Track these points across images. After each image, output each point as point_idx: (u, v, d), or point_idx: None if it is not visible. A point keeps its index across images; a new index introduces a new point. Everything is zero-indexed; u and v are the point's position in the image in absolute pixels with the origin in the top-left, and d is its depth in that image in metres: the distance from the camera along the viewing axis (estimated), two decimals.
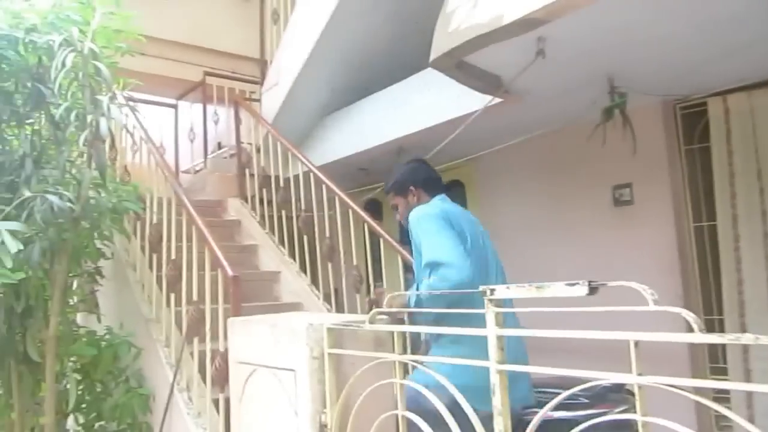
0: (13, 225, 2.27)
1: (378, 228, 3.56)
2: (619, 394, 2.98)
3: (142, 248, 3.63)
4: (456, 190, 4.91)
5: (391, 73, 4.48)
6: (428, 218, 2.29)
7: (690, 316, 1.06)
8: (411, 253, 2.54)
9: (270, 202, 4.68)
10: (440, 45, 2.72)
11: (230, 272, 2.56)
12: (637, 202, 3.73)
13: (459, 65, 2.82)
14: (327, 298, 4.00)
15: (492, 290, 1.41)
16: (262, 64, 5.80)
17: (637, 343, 1.13)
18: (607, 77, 3.12)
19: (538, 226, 4.24)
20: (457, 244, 2.21)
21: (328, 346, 1.87)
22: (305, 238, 4.21)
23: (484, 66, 2.93)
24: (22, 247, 2.28)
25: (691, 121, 3.66)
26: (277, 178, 4.58)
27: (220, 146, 7.00)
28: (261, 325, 2.16)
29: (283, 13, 5.26)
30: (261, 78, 5.73)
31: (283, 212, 4.46)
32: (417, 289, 2.28)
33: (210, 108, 6.27)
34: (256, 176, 4.95)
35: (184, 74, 6.45)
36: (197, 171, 6.42)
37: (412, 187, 2.58)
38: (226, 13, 7.01)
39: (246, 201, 5.04)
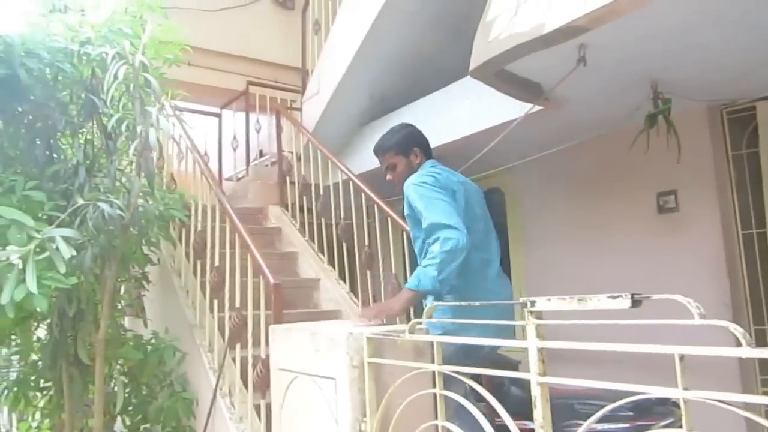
0: (67, 232, 2.37)
1: None
2: (665, 407, 2.90)
3: (187, 255, 3.73)
4: (495, 199, 4.88)
5: (431, 80, 4.49)
6: (426, 186, 2.35)
7: (738, 330, 1.04)
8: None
9: (310, 210, 4.74)
10: (480, 54, 2.72)
11: (272, 280, 2.61)
12: (683, 210, 3.64)
13: (499, 74, 2.81)
14: (366, 306, 4.03)
15: (533, 302, 1.40)
16: (304, 73, 5.90)
17: (682, 357, 1.12)
18: (651, 82, 3.06)
19: (580, 235, 4.17)
20: (453, 208, 2.27)
21: (368, 355, 1.90)
22: (344, 245, 4.25)
23: (524, 74, 2.91)
24: (75, 253, 2.37)
25: (739, 126, 3.55)
26: (317, 186, 4.64)
27: (261, 154, 7.13)
28: (302, 333, 2.20)
29: (324, 23, 5.33)
30: (302, 87, 5.83)
31: (323, 220, 4.52)
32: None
33: (252, 116, 6.39)
34: (296, 184, 5.03)
35: (228, 84, 6.60)
36: (239, 178, 6.55)
37: (416, 148, 2.62)
38: (268, 23, 7.15)
39: (286, 209, 5.12)
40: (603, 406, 1.26)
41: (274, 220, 5.09)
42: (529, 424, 1.51)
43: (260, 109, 6.38)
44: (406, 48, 4.59)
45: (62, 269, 2.32)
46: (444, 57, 4.69)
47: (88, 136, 3.11)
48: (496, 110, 3.59)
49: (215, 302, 3.20)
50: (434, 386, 1.69)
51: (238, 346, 2.88)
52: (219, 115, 6.58)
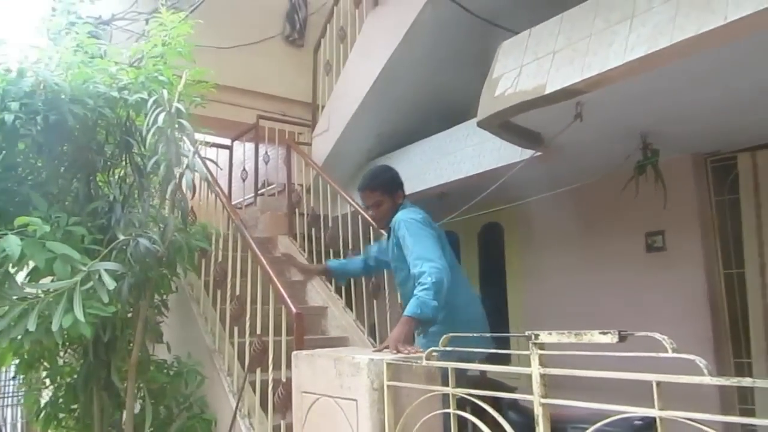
0: (110, 265, 2.61)
1: None
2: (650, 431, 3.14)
3: (206, 283, 3.96)
4: (494, 233, 5.15)
5: (436, 120, 4.80)
6: (416, 222, 2.64)
7: (701, 362, 1.30)
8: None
9: (318, 240, 4.99)
10: (486, 107, 3.02)
11: (294, 309, 2.85)
12: (670, 249, 3.92)
13: (503, 125, 3.10)
14: (371, 333, 4.25)
15: (536, 335, 1.66)
16: (314, 108, 6.22)
17: (659, 383, 1.37)
18: (640, 134, 3.37)
19: (575, 269, 4.44)
20: (437, 247, 2.56)
21: (387, 379, 2.14)
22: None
23: (525, 125, 3.21)
24: (115, 284, 2.61)
25: (722, 174, 3.86)
26: (326, 217, 4.89)
27: (266, 184, 7.41)
28: (325, 359, 2.43)
29: (335, 64, 5.65)
30: (312, 121, 6.15)
31: (331, 250, 4.76)
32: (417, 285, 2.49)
33: (261, 148, 6.69)
34: (305, 215, 5.29)
35: (239, 117, 6.91)
36: (246, 205, 6.82)
37: (400, 190, 2.89)
38: (278, 60, 7.49)
39: (295, 239, 5.37)
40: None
41: (283, 249, 5.32)
42: None
43: (269, 141, 6.68)
44: (413, 90, 4.90)
45: (105, 299, 2.55)
46: (449, 99, 5.01)
47: (121, 174, 3.37)
48: (499, 153, 3.87)
49: (235, 329, 3.43)
50: (449, 407, 1.92)
51: (258, 370, 3.10)
52: (230, 147, 6.87)
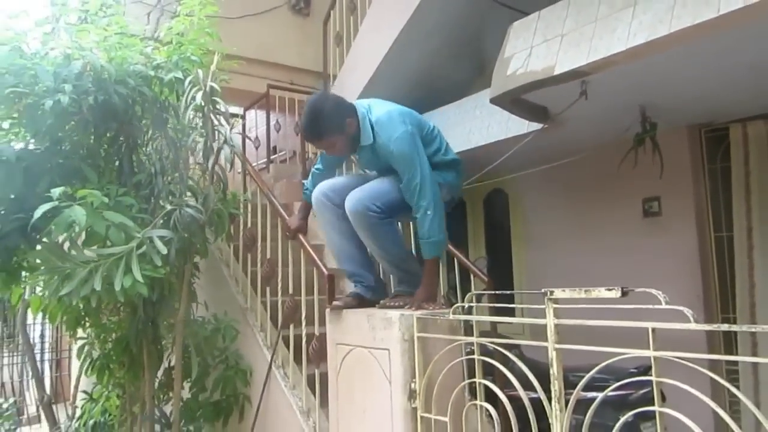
0: (162, 232, 2.91)
1: None
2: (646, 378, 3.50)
3: (236, 247, 4.27)
4: (499, 199, 5.45)
5: (444, 92, 5.04)
6: (414, 149, 2.58)
7: (688, 312, 1.60)
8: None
9: None
10: (499, 86, 3.27)
11: (326, 271, 3.16)
12: (665, 214, 4.23)
13: (514, 101, 3.36)
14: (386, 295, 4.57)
15: (551, 291, 1.96)
16: (325, 77, 6.43)
17: (654, 330, 1.68)
18: (640, 108, 3.63)
19: (576, 234, 4.76)
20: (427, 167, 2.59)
21: (417, 330, 2.46)
22: None
23: (534, 101, 3.46)
24: (166, 251, 2.90)
25: (715, 144, 4.14)
26: None
27: (276, 150, 7.65)
28: (358, 315, 2.76)
29: (345, 36, 5.84)
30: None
31: None
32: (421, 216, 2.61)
33: (272, 116, 6.91)
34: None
35: (250, 86, 7.09)
36: (259, 171, 7.09)
37: (348, 119, 2.64)
38: (285, 30, 7.63)
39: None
40: (594, 378, 1.82)
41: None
42: (531, 394, 2.06)
43: (279, 110, 6.89)
44: (422, 63, 5.12)
45: (158, 263, 2.85)
46: (456, 71, 5.24)
47: (158, 147, 3.63)
48: (507, 125, 4.12)
49: (267, 289, 3.75)
50: (474, 354, 2.25)
51: (291, 326, 3.43)
52: (243, 116, 7.09)
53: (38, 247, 3.16)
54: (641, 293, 1.74)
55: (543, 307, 1.98)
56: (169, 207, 3.09)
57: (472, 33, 4.77)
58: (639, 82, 3.18)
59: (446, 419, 2.29)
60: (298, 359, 3.42)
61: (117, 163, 3.41)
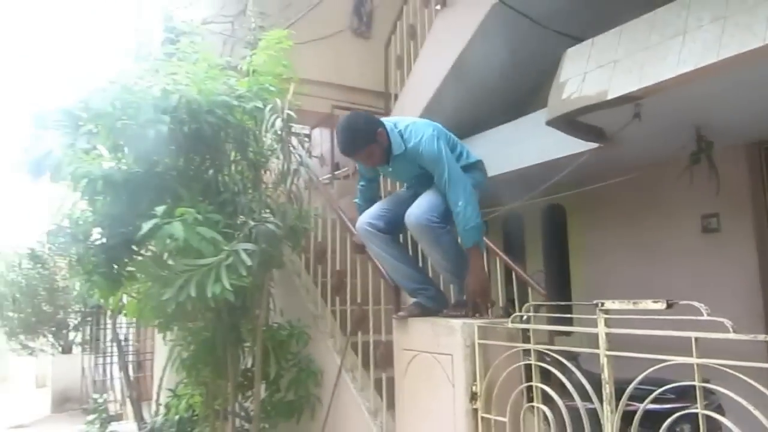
0: (248, 246, 3.25)
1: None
2: (703, 393, 3.57)
3: (307, 259, 4.60)
4: (557, 213, 5.58)
5: (497, 113, 5.25)
6: (440, 147, 2.85)
7: (728, 322, 1.77)
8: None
9: None
10: (554, 108, 3.47)
11: (391, 282, 3.42)
12: (724, 231, 4.28)
13: (569, 123, 3.55)
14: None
15: (602, 303, 2.16)
16: (386, 97, 6.75)
17: (697, 339, 1.85)
18: (695, 127, 3.73)
19: (634, 248, 4.85)
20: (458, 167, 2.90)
21: (478, 338, 2.68)
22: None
23: (589, 122, 3.64)
24: (250, 262, 3.24)
25: None
26: None
27: (339, 166, 8.03)
28: (423, 323, 3.01)
29: (406, 59, 6.14)
30: (384, 110, 6.67)
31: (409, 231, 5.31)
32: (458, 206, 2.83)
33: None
34: (382, 197, 5.84)
35: (315, 107, 7.50)
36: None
37: (378, 129, 2.89)
38: (348, 52, 8.02)
39: None
40: (650, 390, 1.97)
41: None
42: (588, 405, 2.23)
43: None
44: (479, 86, 5.34)
45: (243, 272, 3.19)
46: (510, 93, 5.44)
47: (239, 169, 4.01)
48: (562, 144, 4.27)
49: (336, 298, 4.06)
50: (531, 359, 2.45)
51: (359, 333, 3.71)
52: (309, 135, 7.51)
53: (135, 257, 3.60)
54: (688, 306, 1.91)
55: (595, 317, 2.18)
56: (252, 223, 3.43)
57: (528, 56, 4.96)
58: (693, 103, 3.31)
59: (505, 419, 2.50)
60: (365, 364, 3.69)
61: (204, 182, 3.79)
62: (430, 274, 3.48)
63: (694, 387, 3.33)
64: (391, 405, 3.30)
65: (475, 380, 2.68)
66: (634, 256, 4.82)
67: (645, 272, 4.71)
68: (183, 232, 3.03)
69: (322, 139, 7.57)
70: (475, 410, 2.65)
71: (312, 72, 7.61)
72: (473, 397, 2.67)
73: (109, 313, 8.54)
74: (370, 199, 3.44)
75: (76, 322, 9.72)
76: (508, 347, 2.61)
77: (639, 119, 3.31)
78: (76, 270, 3.76)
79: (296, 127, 7.32)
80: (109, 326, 8.90)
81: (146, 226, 3.00)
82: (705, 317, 1.85)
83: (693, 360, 1.84)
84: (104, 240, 3.66)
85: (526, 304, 2.50)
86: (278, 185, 3.78)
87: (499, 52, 5.01)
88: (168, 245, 3.14)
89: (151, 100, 3.40)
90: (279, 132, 3.58)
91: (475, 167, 3.15)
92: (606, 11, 3.51)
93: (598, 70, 3.26)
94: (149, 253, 3.66)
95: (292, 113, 3.69)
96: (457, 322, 2.76)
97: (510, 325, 2.56)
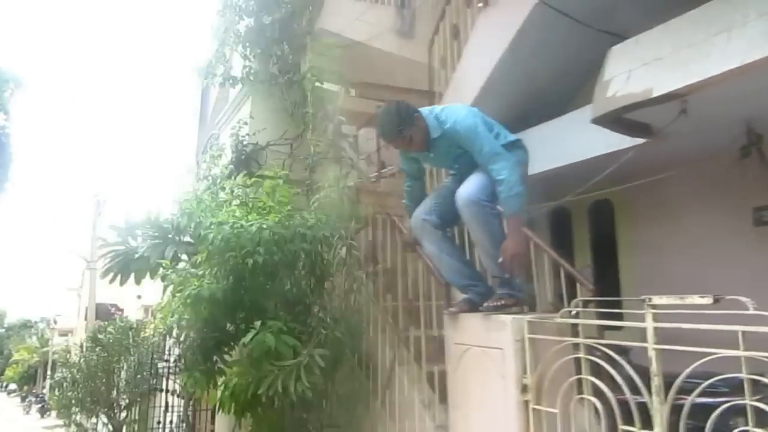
0: (321, 351, 3.85)
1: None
2: (756, 387, 3.57)
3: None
4: (605, 209, 5.59)
5: (542, 109, 5.29)
6: (476, 122, 3.04)
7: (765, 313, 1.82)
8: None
9: None
10: (599, 106, 3.53)
11: (442, 279, 3.55)
12: None
13: (615, 120, 3.59)
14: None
15: (650, 298, 2.23)
16: (430, 95, 6.86)
17: (744, 333, 1.91)
18: (745, 120, 3.71)
19: (684, 243, 4.83)
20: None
21: (527, 332, 2.79)
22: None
23: (635, 118, 3.67)
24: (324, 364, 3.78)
25: None
26: None
27: (384, 165, 8.19)
28: (474, 318, 3.13)
29: (449, 59, 6.23)
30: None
31: (456, 227, 5.42)
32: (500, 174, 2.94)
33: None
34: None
35: (363, 107, 7.69)
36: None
37: (415, 114, 3.10)
38: (392, 52, 8.18)
39: None
40: (700, 383, 2.04)
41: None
42: (638, 398, 2.30)
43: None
44: (524, 81, 5.38)
45: (317, 372, 3.71)
46: (554, 90, 5.46)
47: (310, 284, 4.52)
48: (606, 140, 4.29)
49: (389, 296, 4.22)
50: (580, 353, 2.54)
51: (411, 328, 3.86)
52: (356, 136, 7.69)
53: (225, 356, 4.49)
54: (735, 301, 1.97)
55: (643, 312, 2.26)
56: (323, 331, 3.98)
57: (571, 54, 4.98)
58: (741, 98, 3.31)
59: (556, 411, 2.60)
60: (417, 358, 3.83)
61: (282, 296, 4.38)
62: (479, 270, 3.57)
63: (748, 380, 3.37)
64: (443, 398, 3.43)
65: (525, 373, 2.78)
66: (684, 251, 4.79)
67: (695, 267, 4.68)
68: (273, 340, 3.72)
69: (369, 139, 7.73)
70: (526, 402, 2.76)
71: (359, 73, 7.80)
72: (524, 389, 2.77)
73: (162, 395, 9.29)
74: (417, 199, 3.54)
75: (126, 402, 10.27)
76: (558, 341, 2.70)
77: (685, 115, 3.33)
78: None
79: (345, 129, 7.57)
80: (157, 405, 9.70)
81: (249, 336, 3.78)
82: (751, 311, 1.91)
83: (740, 353, 1.91)
84: (198, 342, 4.42)
85: (575, 300, 2.59)
86: (343, 299, 4.32)
87: (542, 51, 5.05)
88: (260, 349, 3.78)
89: (248, 235, 4.03)
90: (344, 257, 4.16)
91: (514, 145, 3.24)
92: (648, 8, 3.53)
93: (643, 68, 3.29)
94: (235, 354, 4.49)
95: (353, 242, 4.25)
96: (507, 317, 2.88)
97: (559, 320, 2.66)
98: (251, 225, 4.12)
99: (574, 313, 2.65)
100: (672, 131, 3.76)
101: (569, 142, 4.78)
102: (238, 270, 4.18)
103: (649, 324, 2.22)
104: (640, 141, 3.97)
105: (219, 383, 4.46)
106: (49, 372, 28.94)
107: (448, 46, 6.29)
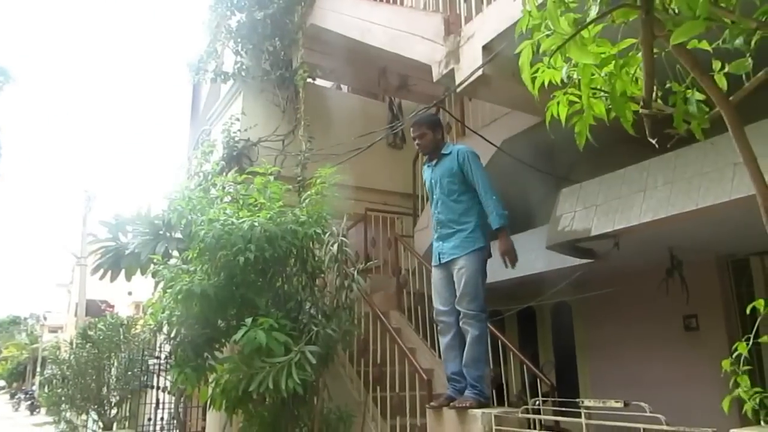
0: (312, 348, 4.16)
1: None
2: None
3: (351, 354, 5.48)
4: (564, 310, 6.43)
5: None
6: (479, 161, 3.88)
7: (662, 418, 2.60)
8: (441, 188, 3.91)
9: (424, 315, 6.41)
10: (553, 237, 4.43)
11: (425, 377, 4.28)
12: (702, 329, 5.09)
13: (564, 249, 4.48)
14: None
15: (583, 401, 3.00)
16: (414, 198, 7.78)
17: (644, 429, 2.68)
18: (668, 249, 4.64)
19: (628, 344, 5.66)
20: None
21: (494, 425, 3.51)
22: None
23: (582, 245, 4.57)
24: (315, 360, 4.14)
25: (739, 271, 5.03)
26: (429, 296, 6.32)
27: (369, 258, 9.00)
28: (450, 412, 3.84)
29: None
30: (413, 210, 7.69)
31: (435, 325, 6.17)
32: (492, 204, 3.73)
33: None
34: (412, 294, 6.75)
35: (350, 209, 8.54)
36: None
37: (440, 128, 4.00)
38: (382, 160, 9.12)
39: (403, 312, 6.83)
40: None
41: (394, 322, 6.76)
42: None
43: (375, 227, 8.28)
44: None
45: (309, 369, 4.09)
46: (519, 208, 6.39)
47: (301, 282, 4.96)
48: (563, 257, 5.19)
49: (378, 387, 4.91)
50: None
51: (398, 417, 4.54)
52: (345, 235, 8.52)
53: (216, 353, 4.62)
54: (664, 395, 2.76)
55: (580, 410, 3.02)
56: (314, 328, 4.37)
57: (531, 183, 5.95)
58: (661, 236, 4.23)
59: None
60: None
61: (274, 292, 4.75)
62: None
63: None
64: None
65: None
66: (629, 350, 5.61)
67: (638, 364, 5.49)
68: (265, 337, 3.97)
69: (357, 238, 8.57)
70: None
71: (349, 178, 8.74)
72: None
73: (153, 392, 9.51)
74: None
75: (116, 399, 10.41)
76: None
77: (617, 248, 4.23)
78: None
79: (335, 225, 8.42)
80: (147, 402, 9.70)
81: (241, 333, 3.96)
82: (648, 414, 2.69)
83: None
84: (189, 338, 4.60)
85: (534, 399, 3.35)
86: (334, 296, 4.73)
87: (509, 175, 6.03)
88: (251, 346, 4.07)
89: (240, 232, 4.42)
90: (336, 254, 4.56)
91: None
92: (585, 155, 4.51)
93: (584, 211, 4.22)
94: (226, 351, 4.66)
95: (346, 240, 4.68)
96: (477, 412, 3.60)
97: (520, 415, 3.41)
98: (242, 222, 4.26)
99: (533, 408, 3.40)
100: (611, 255, 4.67)
101: (534, 255, 5.66)
102: (229, 267, 4.29)
103: (583, 421, 2.98)
104: (587, 261, 4.87)
105: (210, 380, 4.57)
106: (38, 369, 28.20)
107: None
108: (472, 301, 3.73)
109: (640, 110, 1.42)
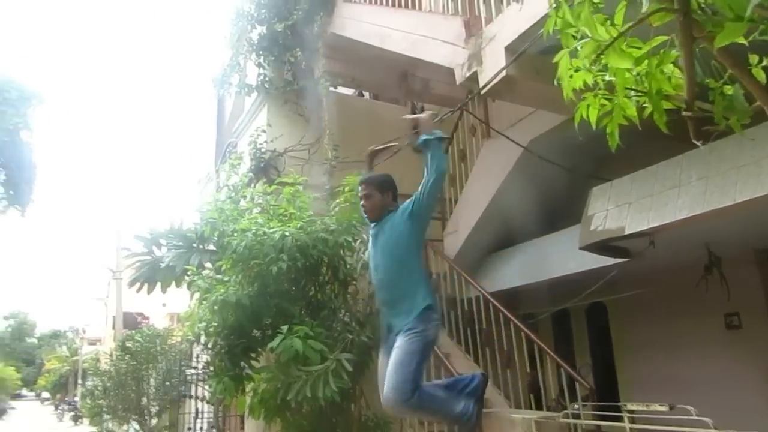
0: (347, 355, 4.18)
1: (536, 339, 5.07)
2: None
3: None
4: (599, 310, 6.33)
5: (536, 226, 6.12)
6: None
7: (710, 421, 2.53)
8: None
9: (456, 318, 6.36)
10: (585, 237, 4.36)
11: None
12: (745, 327, 4.95)
13: (597, 248, 4.41)
14: (506, 397, 5.52)
15: (625, 404, 2.94)
16: (441, 201, 7.73)
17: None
18: (705, 245, 4.52)
19: (668, 344, 5.53)
20: None
21: (535, 430, 3.47)
22: (486, 350, 5.81)
23: (615, 244, 4.48)
24: (351, 368, 4.15)
25: None
26: (461, 300, 6.27)
27: None
28: (490, 419, 3.81)
29: (458, 177, 7.16)
30: (440, 215, 7.65)
31: (468, 329, 6.12)
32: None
33: None
34: (444, 299, 6.71)
35: None
36: None
37: (391, 192, 3.47)
38: (410, 166, 9.14)
39: None
40: None
41: None
42: None
43: None
44: (520, 203, 6.26)
45: (345, 377, 4.10)
46: (547, 209, 6.33)
47: (334, 289, 4.99)
48: (594, 257, 5.08)
49: None
50: None
51: (435, 423, 4.51)
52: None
53: (253, 362, 4.68)
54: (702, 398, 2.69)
55: (622, 414, 2.97)
56: (349, 336, 4.40)
57: (559, 182, 5.87)
58: (698, 232, 4.13)
59: None
60: None
61: (307, 300, 4.81)
62: None
63: None
64: None
65: None
66: (668, 351, 5.49)
67: (678, 365, 5.37)
68: (301, 345, 4.02)
69: None
70: None
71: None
72: None
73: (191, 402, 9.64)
74: None
75: (156, 409, 10.59)
76: None
77: (653, 246, 4.14)
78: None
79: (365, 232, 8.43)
80: (187, 412, 9.92)
81: (277, 340, 4.05)
82: (694, 417, 2.63)
83: None
84: (227, 348, 4.69)
85: (574, 403, 3.30)
86: (367, 303, 4.74)
87: (538, 176, 5.97)
88: (287, 354, 4.11)
89: (271, 242, 4.47)
90: (367, 261, 4.57)
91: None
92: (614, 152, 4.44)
93: (617, 209, 4.15)
94: (262, 360, 4.72)
95: None
96: (517, 417, 3.57)
97: (561, 420, 3.36)
98: (274, 232, 4.30)
99: (573, 413, 3.35)
100: (647, 254, 4.57)
101: (567, 255, 5.57)
102: (262, 276, 4.34)
103: (627, 425, 2.93)
104: (622, 260, 4.78)
105: (247, 389, 4.61)
106: (79, 380, 29.02)
107: (456, 168, 7.25)
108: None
109: (683, 113, 1.38)
